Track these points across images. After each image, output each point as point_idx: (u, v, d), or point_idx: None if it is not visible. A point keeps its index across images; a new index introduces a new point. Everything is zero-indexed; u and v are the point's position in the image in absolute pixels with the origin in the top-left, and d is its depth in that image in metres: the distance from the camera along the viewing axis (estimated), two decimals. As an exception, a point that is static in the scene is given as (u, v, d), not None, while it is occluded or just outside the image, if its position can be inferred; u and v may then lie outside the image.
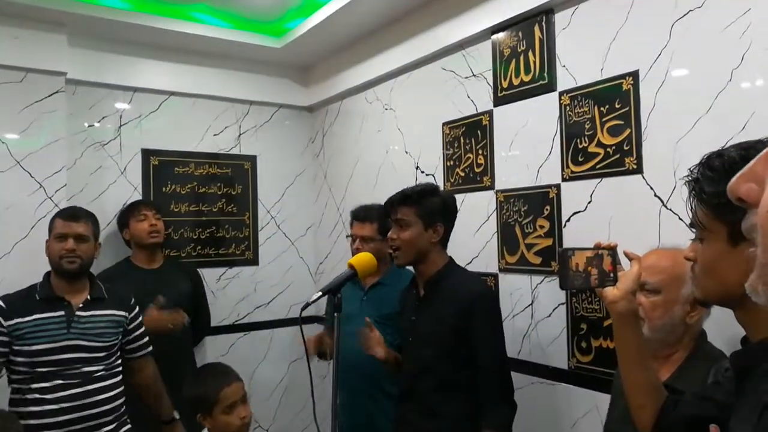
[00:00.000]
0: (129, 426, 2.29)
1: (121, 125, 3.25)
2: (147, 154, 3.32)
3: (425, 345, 1.92)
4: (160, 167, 3.36)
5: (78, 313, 2.19)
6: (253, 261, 3.65)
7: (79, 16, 2.83)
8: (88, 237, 2.24)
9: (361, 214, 2.45)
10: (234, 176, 3.61)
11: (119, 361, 2.32)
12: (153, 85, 3.32)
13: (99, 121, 3.19)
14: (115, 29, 3.03)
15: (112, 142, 3.22)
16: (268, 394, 3.66)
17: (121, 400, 2.28)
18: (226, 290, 3.53)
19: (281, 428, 3.66)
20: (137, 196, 3.24)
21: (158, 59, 3.32)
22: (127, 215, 2.98)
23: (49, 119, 2.86)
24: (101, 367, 2.20)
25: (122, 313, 2.31)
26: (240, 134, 3.65)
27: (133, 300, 2.41)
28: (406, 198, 1.94)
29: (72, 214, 2.27)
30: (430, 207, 1.93)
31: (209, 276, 3.45)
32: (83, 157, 3.12)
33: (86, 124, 3.15)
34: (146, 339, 2.42)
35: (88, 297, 2.24)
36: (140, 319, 2.41)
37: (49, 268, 2.24)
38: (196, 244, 3.46)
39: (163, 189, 3.36)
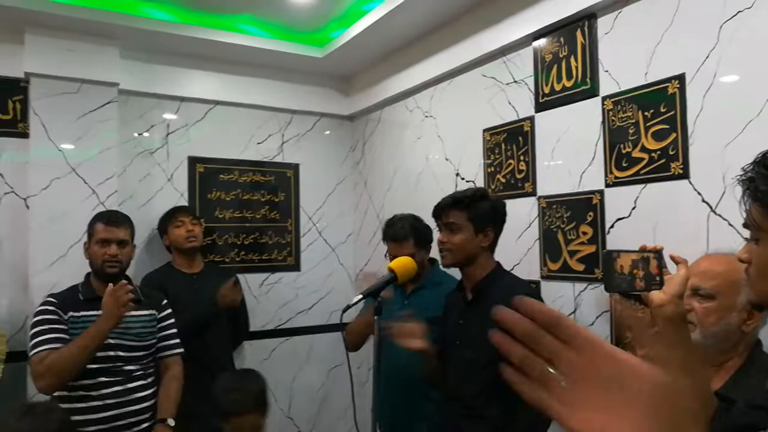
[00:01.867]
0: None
1: (168, 134, 3.36)
2: (193, 161, 3.41)
3: (472, 348, 1.90)
4: (206, 174, 3.45)
5: None
6: (295, 267, 3.70)
7: (130, 29, 2.95)
8: (128, 241, 2.31)
9: (399, 235, 2.44)
10: (277, 184, 3.68)
11: (153, 362, 2.37)
12: (199, 95, 3.42)
13: (148, 130, 3.30)
14: (163, 41, 3.15)
15: (160, 150, 3.33)
16: (308, 399, 3.70)
17: (155, 401, 2.32)
18: (268, 295, 3.59)
19: (321, 433, 3.69)
20: (183, 202, 3.34)
21: (204, 69, 3.42)
22: (165, 222, 3.07)
23: (102, 128, 2.98)
24: (139, 367, 2.26)
25: (152, 311, 2.36)
26: (283, 143, 3.72)
27: (165, 301, 2.46)
28: (457, 202, 1.94)
29: (113, 219, 2.32)
30: (481, 212, 1.93)
31: (252, 281, 3.52)
32: (132, 164, 3.24)
33: (136, 133, 3.26)
34: (177, 340, 2.46)
35: None
36: (172, 320, 2.45)
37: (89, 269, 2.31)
38: (240, 249, 3.53)
39: (209, 196, 3.45)
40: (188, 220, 3.03)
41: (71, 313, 2.20)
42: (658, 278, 1.15)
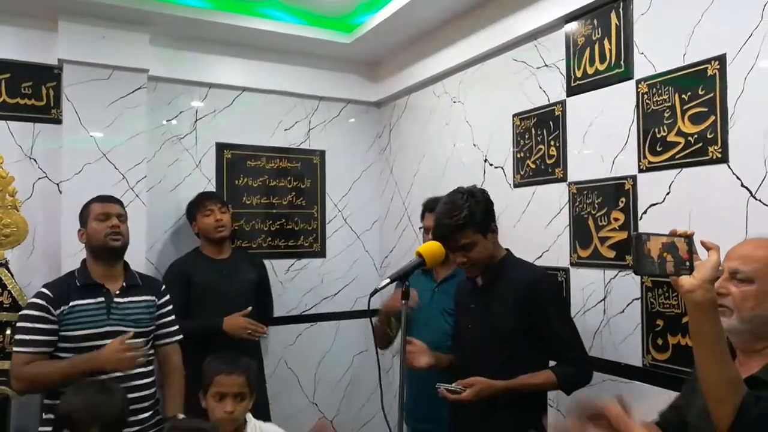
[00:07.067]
0: (160, 416, 2.30)
1: (196, 120, 3.38)
2: (221, 147, 3.43)
3: (484, 332, 1.94)
4: (234, 161, 3.47)
5: (116, 299, 2.21)
6: (321, 253, 3.71)
7: (159, 15, 2.97)
8: (125, 218, 2.31)
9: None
10: (303, 170, 3.68)
11: (153, 350, 2.34)
12: (227, 81, 3.43)
13: (176, 117, 3.33)
14: (192, 27, 3.15)
15: (188, 136, 3.36)
16: (333, 385, 3.71)
17: (155, 389, 2.31)
18: (294, 281, 3.61)
19: (346, 420, 3.70)
20: (211, 188, 3.36)
21: (232, 56, 3.42)
22: (193, 209, 3.06)
23: (131, 115, 3.01)
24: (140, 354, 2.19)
25: (151, 297, 2.34)
26: (310, 129, 3.72)
27: (163, 287, 2.45)
28: (458, 227, 1.89)
29: (108, 197, 2.34)
30: (480, 218, 1.92)
31: (278, 267, 3.54)
32: (161, 150, 3.26)
33: (164, 120, 3.29)
34: (176, 327, 2.43)
35: (124, 284, 2.27)
36: (170, 306, 2.43)
37: (84, 256, 2.29)
38: (267, 235, 3.55)
39: (236, 182, 3.47)
40: (217, 209, 3.00)
41: (63, 307, 2.14)
42: (687, 263, 1.13)
